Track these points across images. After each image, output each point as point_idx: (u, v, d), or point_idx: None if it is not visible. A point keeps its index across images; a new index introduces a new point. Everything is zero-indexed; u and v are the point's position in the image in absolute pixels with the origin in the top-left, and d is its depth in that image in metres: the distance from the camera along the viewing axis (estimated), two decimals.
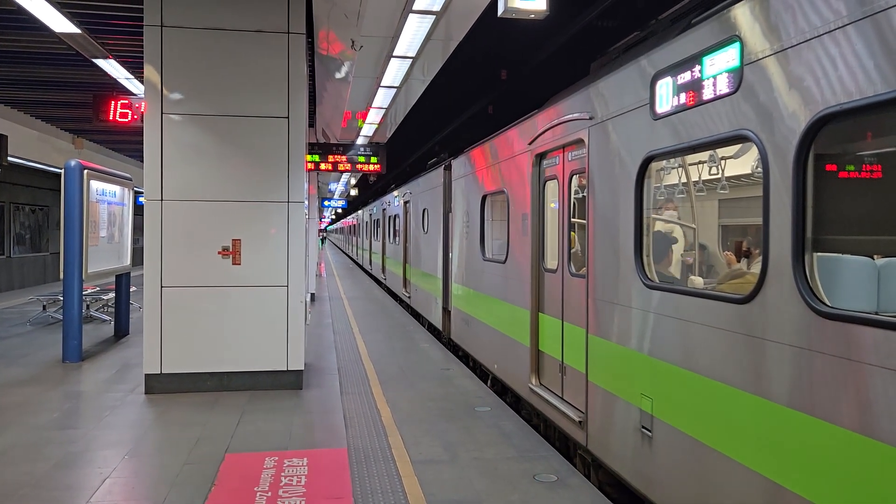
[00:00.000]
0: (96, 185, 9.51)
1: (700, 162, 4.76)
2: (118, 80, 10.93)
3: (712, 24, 3.84)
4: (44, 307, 13.15)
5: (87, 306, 12.56)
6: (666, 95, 4.29)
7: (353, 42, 8.19)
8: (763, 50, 3.41)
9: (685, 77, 4.08)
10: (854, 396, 2.83)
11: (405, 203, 16.71)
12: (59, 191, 8.97)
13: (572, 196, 6.11)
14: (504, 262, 7.96)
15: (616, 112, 5.04)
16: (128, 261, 11.18)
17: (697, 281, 4.70)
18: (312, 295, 17.08)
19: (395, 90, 10.54)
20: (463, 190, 10.21)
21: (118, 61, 9.94)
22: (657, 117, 4.40)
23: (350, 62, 9.17)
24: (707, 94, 3.87)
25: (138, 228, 13.77)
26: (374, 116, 12.79)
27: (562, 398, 6.24)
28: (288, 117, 7.62)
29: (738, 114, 3.61)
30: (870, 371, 2.75)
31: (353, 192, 33.13)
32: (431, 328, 13.47)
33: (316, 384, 7.99)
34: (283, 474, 5.07)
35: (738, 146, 4.06)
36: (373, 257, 26.55)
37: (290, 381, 7.69)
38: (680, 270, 5.00)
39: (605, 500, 4.77)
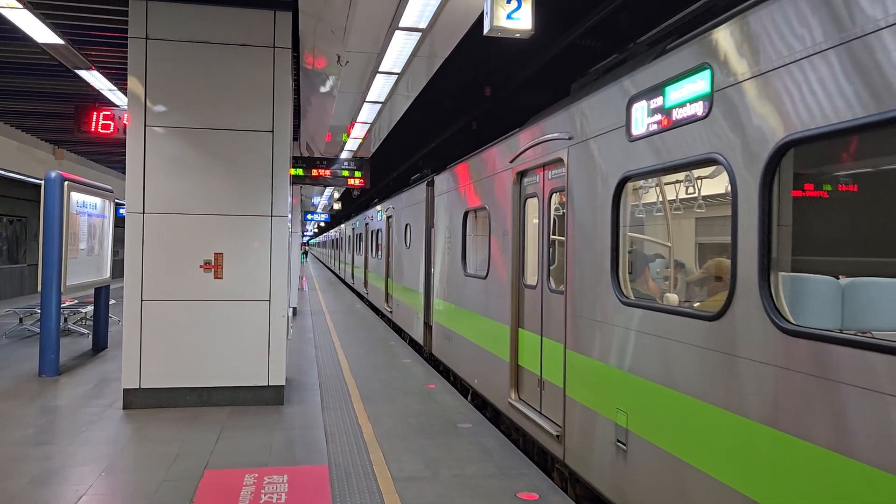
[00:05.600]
0: (77, 197, 9.42)
1: (677, 181, 4.84)
2: (101, 91, 10.86)
3: (685, 51, 4.00)
4: (20, 320, 12.94)
5: (65, 319, 12.39)
6: (641, 118, 4.43)
7: (338, 57, 8.21)
8: (732, 78, 3.54)
9: (658, 101, 4.23)
10: (819, 412, 2.91)
11: (388, 218, 16.78)
12: (39, 202, 8.86)
13: (552, 213, 6.21)
14: (485, 277, 8.04)
15: (594, 133, 5.17)
16: (107, 273, 11.06)
17: (673, 298, 4.75)
18: (294, 309, 16.98)
19: (379, 105, 10.56)
20: (445, 206, 10.29)
21: (101, 72, 9.89)
22: (633, 139, 4.52)
23: (335, 77, 9.18)
24: (679, 117, 4.01)
25: (119, 241, 13.63)
26: (358, 131, 12.79)
27: (540, 413, 6.29)
28: (272, 131, 7.62)
29: (708, 138, 3.74)
30: (833, 387, 2.84)
31: (337, 206, 33.04)
32: (413, 343, 13.52)
33: (297, 400, 7.93)
34: (262, 491, 5.01)
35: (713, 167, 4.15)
36: (355, 271, 26.55)
37: (271, 397, 7.62)
38: (656, 288, 5.08)
39: None
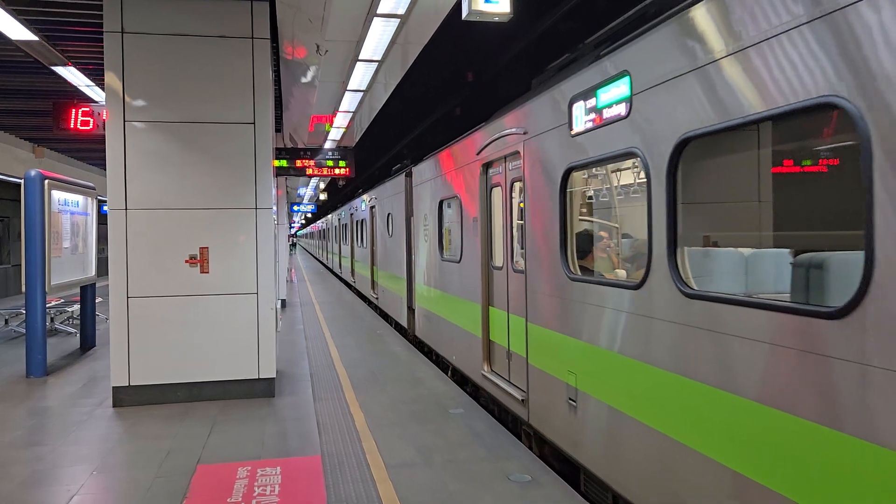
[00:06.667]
0: (58, 195, 9.32)
1: (618, 170, 5.42)
2: (78, 87, 10.73)
3: (611, 59, 4.62)
4: (6, 321, 12.85)
5: (52, 319, 12.31)
6: (579, 117, 5.06)
7: (318, 46, 8.14)
8: (645, 83, 4.18)
9: (592, 102, 4.86)
10: (709, 359, 3.58)
11: (371, 208, 17.29)
12: (20, 201, 8.77)
13: (513, 201, 6.81)
14: (459, 261, 8.67)
15: (544, 129, 5.78)
16: (93, 272, 10.97)
17: (621, 273, 5.35)
18: (283, 301, 16.95)
19: (361, 94, 10.51)
20: (422, 196, 10.88)
21: (78, 68, 9.76)
22: (574, 135, 5.15)
23: (316, 66, 9.12)
24: (608, 117, 4.64)
25: (103, 238, 13.53)
26: (341, 120, 12.73)
27: (509, 381, 6.92)
28: (254, 123, 7.56)
29: (628, 134, 4.38)
30: (720, 337, 3.49)
31: (323, 197, 32.93)
32: (398, 327, 14.00)
33: (288, 391, 7.93)
34: (256, 484, 5.02)
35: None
36: (342, 261, 26.95)
37: (262, 390, 7.62)
38: (601, 264, 5.71)
39: (578, 496, 4.81)
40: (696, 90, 3.68)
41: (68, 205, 9.84)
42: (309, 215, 51.98)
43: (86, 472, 5.36)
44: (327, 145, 15.19)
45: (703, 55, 3.60)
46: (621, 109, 4.46)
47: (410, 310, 12.32)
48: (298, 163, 12.91)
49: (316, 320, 14.73)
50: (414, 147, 20.69)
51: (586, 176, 5.69)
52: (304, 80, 10.20)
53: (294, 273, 31.52)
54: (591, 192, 5.87)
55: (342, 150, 13.39)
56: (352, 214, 22.39)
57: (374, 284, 17.31)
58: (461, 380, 9.00)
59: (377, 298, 16.65)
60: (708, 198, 4.29)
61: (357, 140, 15.97)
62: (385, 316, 15.65)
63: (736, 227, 4.41)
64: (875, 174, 2.61)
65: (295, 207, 38.05)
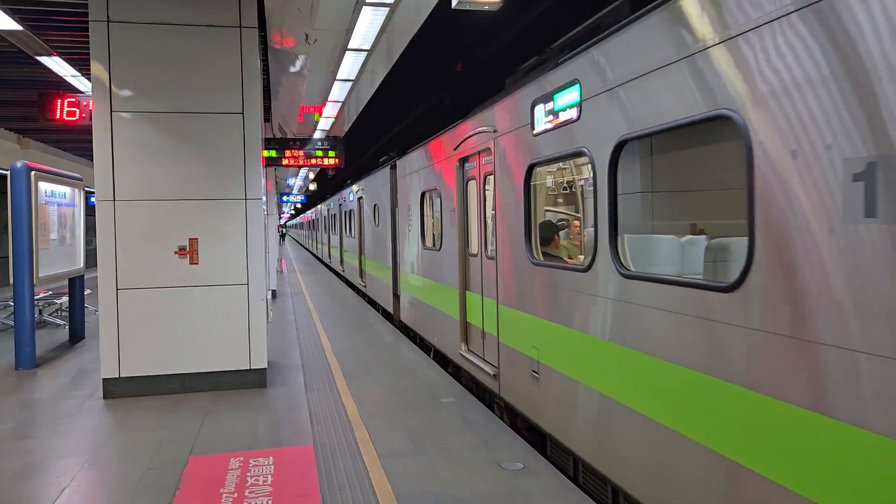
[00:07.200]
0: (45, 187, 9.24)
1: (578, 165, 5.99)
2: (64, 77, 10.62)
3: (565, 67, 5.11)
4: None
5: (40, 311, 12.22)
6: (540, 118, 5.56)
7: (306, 35, 8.08)
8: (592, 91, 4.71)
9: (551, 105, 5.37)
10: (642, 328, 4.17)
11: (359, 199, 17.84)
12: (6, 193, 8.68)
13: (486, 193, 7.29)
14: (439, 249, 9.23)
15: (511, 128, 6.32)
16: (81, 263, 10.89)
17: (580, 259, 5.84)
18: (274, 292, 16.91)
19: (351, 83, 10.46)
20: (406, 187, 11.42)
21: (63, 58, 9.66)
22: (536, 134, 5.68)
23: (304, 56, 9.06)
24: (563, 119, 5.16)
25: (91, 230, 13.43)
26: (330, 110, 12.68)
27: (483, 359, 7.48)
28: (243, 113, 7.50)
29: (579, 135, 4.93)
30: (646, 310, 4.11)
31: (312, 187, 32.79)
32: (385, 314, 14.55)
33: (280, 382, 7.93)
34: (248, 474, 5.03)
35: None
36: (332, 251, 27.36)
37: (253, 380, 7.61)
38: (562, 251, 6.46)
39: (570, 483, 4.85)
40: (630, 100, 4.23)
41: (55, 196, 9.76)
42: (299, 206, 51.78)
43: (77, 465, 5.35)
44: (317, 135, 15.13)
45: (632, 70, 4.19)
46: (573, 113, 4.98)
47: (396, 296, 12.84)
48: (288, 152, 12.85)
49: (307, 310, 14.71)
50: (404, 136, 20.63)
51: (547, 171, 6.30)
52: (292, 69, 10.13)
53: (284, 264, 31.44)
54: (551, 186, 6.62)
55: (332, 140, 13.34)
56: (340, 205, 22.79)
57: (362, 273, 17.80)
58: (443, 361, 9.49)
59: (365, 286, 17.17)
60: (646, 190, 4.88)
61: (347, 129, 15.90)
62: (373, 303, 16.11)
63: (669, 218, 4.91)
64: (755, 172, 3.14)
65: (284, 198, 37.90)
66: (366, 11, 6.97)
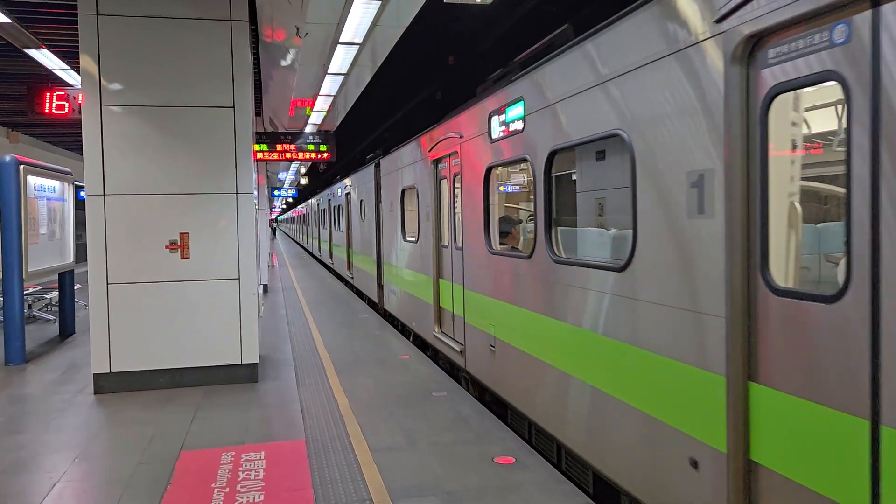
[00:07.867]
0: (34, 181, 9.18)
1: (522, 170, 7.22)
2: (53, 70, 10.54)
3: (515, 85, 6.00)
4: None
5: (30, 306, 12.16)
6: (496, 127, 6.45)
7: (297, 29, 8.05)
8: (532, 107, 5.61)
9: (503, 117, 6.24)
10: (567, 303, 5.08)
11: (347, 195, 18.63)
12: None
13: (455, 191, 8.07)
14: (416, 242, 10.10)
15: (474, 134, 7.16)
16: (71, 258, 10.84)
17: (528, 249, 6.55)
18: (265, 286, 16.87)
19: (342, 77, 10.42)
20: (388, 185, 12.26)
21: (52, 51, 9.58)
22: (492, 141, 6.55)
23: (295, 49, 9.02)
24: (512, 129, 6.06)
25: (81, 224, 13.36)
26: (322, 104, 12.63)
27: (453, 338, 8.36)
28: (233, 107, 7.47)
29: (523, 144, 5.84)
30: (571, 289, 5.02)
31: (304, 181, 32.69)
32: (371, 303, 15.25)
33: (272, 376, 7.92)
34: (240, 469, 5.03)
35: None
36: (321, 244, 27.97)
37: (245, 375, 7.60)
38: (514, 242, 7.46)
39: (561, 477, 4.87)
40: (556, 117, 5.17)
41: (45, 190, 9.70)
42: (290, 200, 51.62)
43: (68, 460, 5.33)
44: (308, 129, 15.07)
45: (555, 95, 5.15)
46: (519, 125, 5.88)
47: (380, 286, 13.77)
48: (279, 146, 12.82)
49: (298, 305, 14.69)
50: (396, 130, 20.58)
51: (509, 172, 7.43)
52: (283, 63, 10.08)
53: (276, 258, 31.36)
54: (505, 186, 7.95)
55: (323, 134, 13.31)
56: (329, 200, 23.39)
57: (349, 265, 18.65)
58: (422, 344, 10.27)
59: (352, 278, 18.02)
60: (574, 191, 6.03)
61: (338, 124, 15.86)
62: (360, 294, 16.86)
63: (590, 213, 5.89)
64: (637, 179, 4.09)
65: (276, 192, 37.77)
66: (357, 4, 6.94)
